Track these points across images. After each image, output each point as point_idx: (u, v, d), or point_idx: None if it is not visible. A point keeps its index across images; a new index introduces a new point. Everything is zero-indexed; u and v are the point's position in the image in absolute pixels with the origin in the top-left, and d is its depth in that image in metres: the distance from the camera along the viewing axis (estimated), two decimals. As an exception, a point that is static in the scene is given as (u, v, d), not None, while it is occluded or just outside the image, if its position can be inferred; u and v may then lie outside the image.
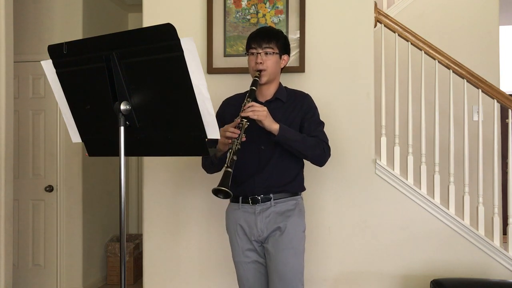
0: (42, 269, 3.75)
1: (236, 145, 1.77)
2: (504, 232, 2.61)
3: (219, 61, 2.67)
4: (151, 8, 2.75)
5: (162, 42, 1.41)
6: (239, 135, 1.78)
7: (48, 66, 1.63)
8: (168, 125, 1.55)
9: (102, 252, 4.13)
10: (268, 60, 1.95)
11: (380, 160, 2.61)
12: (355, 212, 2.60)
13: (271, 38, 1.96)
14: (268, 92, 2.03)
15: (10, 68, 2.79)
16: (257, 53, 1.96)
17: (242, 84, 2.63)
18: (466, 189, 2.61)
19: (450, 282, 2.30)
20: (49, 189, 3.72)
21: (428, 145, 2.69)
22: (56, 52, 1.58)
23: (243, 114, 1.81)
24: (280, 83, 2.07)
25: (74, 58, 1.56)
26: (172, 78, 1.46)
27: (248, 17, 2.65)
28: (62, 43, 1.55)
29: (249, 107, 1.81)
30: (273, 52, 1.96)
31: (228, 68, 2.66)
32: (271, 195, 1.94)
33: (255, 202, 1.95)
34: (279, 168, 1.96)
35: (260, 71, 1.94)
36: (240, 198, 1.98)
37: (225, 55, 2.67)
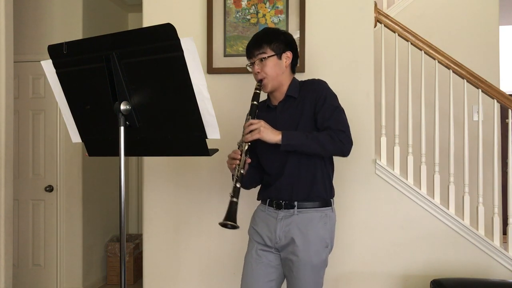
0: (42, 269, 3.75)
1: (238, 171, 1.71)
2: (504, 232, 2.60)
3: (219, 61, 2.67)
4: (151, 8, 2.75)
5: (162, 42, 1.41)
6: (240, 160, 1.71)
7: (48, 66, 1.64)
8: (168, 125, 1.55)
9: (102, 252, 4.13)
10: (265, 66, 1.83)
11: (380, 160, 2.61)
12: (355, 212, 2.60)
13: (260, 42, 1.85)
14: (280, 94, 1.91)
15: (10, 68, 2.78)
16: (252, 63, 1.87)
17: (242, 84, 2.65)
18: (466, 189, 2.60)
19: (450, 282, 2.30)
20: (49, 189, 3.72)
21: (428, 145, 2.69)
22: (56, 52, 1.58)
23: (242, 139, 1.74)
24: (293, 78, 1.92)
25: (74, 58, 1.57)
26: (172, 78, 1.46)
27: (248, 17, 2.65)
28: (62, 43, 1.55)
29: (248, 126, 1.73)
30: (268, 56, 1.83)
31: (228, 68, 2.66)
32: (295, 203, 1.83)
33: (279, 207, 1.85)
34: (301, 172, 1.83)
35: (260, 80, 1.85)
36: (268, 201, 1.91)
37: (225, 55, 2.67)
